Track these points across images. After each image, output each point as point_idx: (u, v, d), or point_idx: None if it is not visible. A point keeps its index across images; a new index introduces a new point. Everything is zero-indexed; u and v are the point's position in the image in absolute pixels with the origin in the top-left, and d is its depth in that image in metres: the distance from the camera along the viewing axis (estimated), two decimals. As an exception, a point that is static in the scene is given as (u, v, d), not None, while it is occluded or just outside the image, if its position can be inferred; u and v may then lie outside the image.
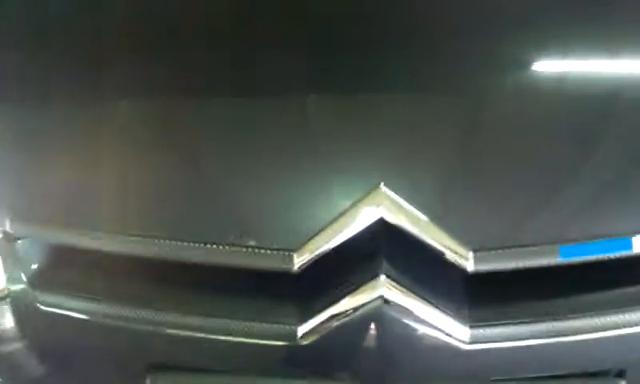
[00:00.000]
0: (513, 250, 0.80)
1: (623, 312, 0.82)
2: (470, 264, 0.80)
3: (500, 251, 0.80)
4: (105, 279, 0.91)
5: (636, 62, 0.93)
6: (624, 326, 0.82)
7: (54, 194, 0.92)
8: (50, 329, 0.92)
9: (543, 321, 0.82)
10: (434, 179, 0.84)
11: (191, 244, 0.84)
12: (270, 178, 0.86)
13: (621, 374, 0.87)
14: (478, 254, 0.80)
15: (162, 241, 0.85)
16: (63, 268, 0.94)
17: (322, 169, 0.85)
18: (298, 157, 0.86)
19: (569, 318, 0.82)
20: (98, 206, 0.89)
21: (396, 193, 0.81)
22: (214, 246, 0.83)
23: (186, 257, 0.85)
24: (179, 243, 0.85)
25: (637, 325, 0.83)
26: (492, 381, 0.88)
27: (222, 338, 0.86)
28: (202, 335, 0.86)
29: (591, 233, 0.81)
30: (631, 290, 0.85)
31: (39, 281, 0.92)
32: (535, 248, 0.80)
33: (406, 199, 0.80)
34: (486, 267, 0.80)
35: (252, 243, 0.83)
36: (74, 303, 0.90)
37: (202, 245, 0.84)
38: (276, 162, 0.87)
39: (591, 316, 0.82)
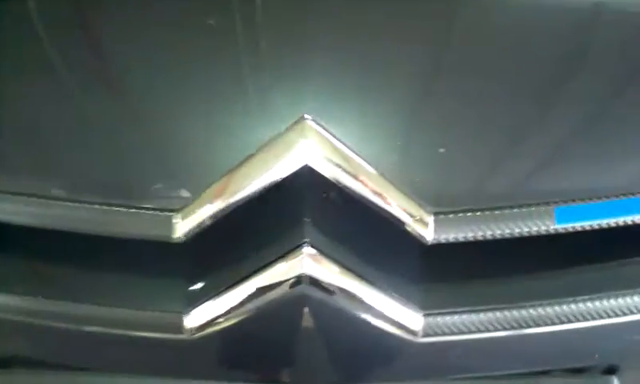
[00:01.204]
0: (489, 213, 0.57)
1: (611, 297, 0.63)
2: (428, 232, 0.57)
3: (470, 215, 0.57)
4: None
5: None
6: (611, 314, 0.63)
7: None
8: None
9: (515, 307, 0.62)
10: (378, 115, 0.60)
11: (39, 201, 0.59)
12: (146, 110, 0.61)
13: (611, 370, 0.69)
14: (441, 218, 0.58)
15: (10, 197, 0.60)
16: None
17: (221, 98, 0.60)
18: (185, 84, 0.62)
19: (544, 304, 0.62)
20: None
21: (327, 131, 0.56)
22: (72, 204, 0.59)
23: (35, 218, 0.60)
24: (25, 200, 0.60)
25: (626, 312, 0.64)
26: (450, 380, 0.68)
27: (87, 328, 0.63)
28: (56, 324, 0.63)
29: (593, 191, 0.59)
30: (623, 269, 0.66)
31: None
32: (521, 211, 0.57)
33: (341, 141, 0.57)
34: (450, 236, 0.57)
35: (119, 201, 0.58)
36: None
37: (54, 201, 0.59)
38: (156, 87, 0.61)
39: (572, 302, 0.63)
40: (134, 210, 0.57)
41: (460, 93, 0.63)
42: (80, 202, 0.58)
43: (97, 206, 0.58)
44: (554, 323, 0.62)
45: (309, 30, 0.64)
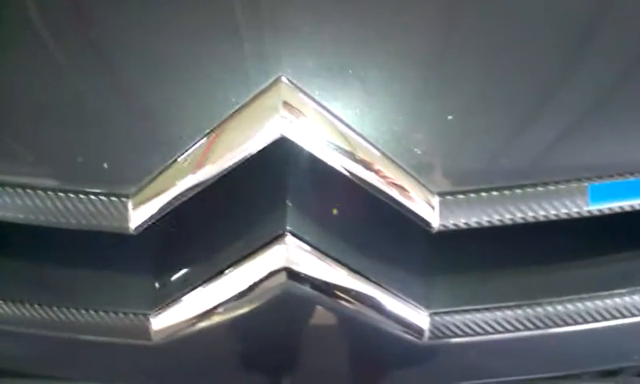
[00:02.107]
0: (508, 193, 0.48)
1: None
2: (434, 216, 0.48)
3: (485, 196, 0.47)
4: None
5: None
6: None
7: None
8: None
9: (532, 304, 0.53)
10: (371, 76, 0.50)
11: None
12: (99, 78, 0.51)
13: (650, 372, 0.59)
14: (449, 199, 0.48)
15: None
16: None
17: (184, 58, 0.50)
18: (144, 41, 0.52)
19: (574, 300, 0.54)
20: None
21: (308, 96, 0.47)
22: (12, 190, 0.50)
23: None
24: None
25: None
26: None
27: (46, 333, 0.54)
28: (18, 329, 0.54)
29: (633, 165, 0.50)
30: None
31: None
32: (547, 189, 0.47)
33: (325, 107, 0.48)
34: (461, 221, 0.48)
35: (64, 185, 0.49)
36: None
37: None
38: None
39: (607, 296, 0.54)
40: (82, 196, 0.48)
41: (471, 49, 0.53)
42: (19, 186, 0.49)
43: (40, 192, 0.49)
44: (587, 321, 0.53)
45: None
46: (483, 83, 0.51)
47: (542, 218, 0.48)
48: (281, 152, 0.48)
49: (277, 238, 0.49)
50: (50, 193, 0.48)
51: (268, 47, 0.49)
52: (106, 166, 0.48)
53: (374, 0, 0.55)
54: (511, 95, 0.51)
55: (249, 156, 0.46)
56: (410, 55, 0.52)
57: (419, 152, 0.48)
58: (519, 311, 0.53)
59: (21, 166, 0.50)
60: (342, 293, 0.51)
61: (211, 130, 0.47)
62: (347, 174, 0.47)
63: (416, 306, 0.52)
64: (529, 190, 0.48)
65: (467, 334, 0.53)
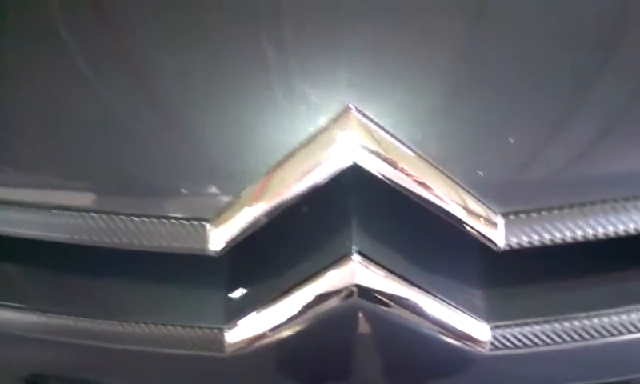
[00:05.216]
0: (577, 210, 0.49)
1: None
2: (499, 236, 0.49)
3: (547, 214, 0.49)
4: None
5: None
6: None
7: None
8: None
9: (594, 316, 0.54)
10: (432, 102, 0.52)
11: (66, 213, 0.54)
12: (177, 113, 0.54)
13: None
14: (511, 219, 0.49)
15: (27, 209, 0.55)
16: None
17: (256, 95, 0.53)
18: (213, 77, 0.55)
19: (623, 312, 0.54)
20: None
21: (375, 123, 0.49)
22: (99, 216, 0.53)
23: (62, 231, 0.54)
24: (49, 212, 0.54)
25: None
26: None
27: (120, 346, 0.57)
28: (88, 342, 0.58)
29: None
30: None
31: None
32: (615, 205, 0.48)
33: (391, 134, 0.50)
34: (524, 240, 0.49)
35: (148, 211, 0.52)
36: None
37: (80, 214, 0.53)
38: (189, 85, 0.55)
39: None
40: (164, 220, 0.51)
41: (531, 68, 0.54)
42: (107, 213, 0.52)
43: (124, 217, 0.52)
44: None
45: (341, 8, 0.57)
46: (543, 105, 0.53)
47: (611, 235, 0.49)
48: (348, 176, 0.50)
49: (345, 256, 0.51)
50: (142, 218, 0.51)
51: (336, 76, 0.52)
52: (186, 192, 0.51)
53: (429, 27, 0.56)
54: (572, 115, 0.52)
55: (321, 182, 0.49)
56: (471, 81, 0.53)
57: (482, 174, 0.50)
58: (576, 323, 0.54)
59: (109, 196, 0.54)
60: (406, 307, 0.53)
61: (284, 158, 0.50)
62: (412, 196, 0.50)
63: (477, 319, 0.54)
64: (594, 206, 0.49)
65: (525, 346, 0.55)
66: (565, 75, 0.54)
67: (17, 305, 0.59)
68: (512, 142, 0.50)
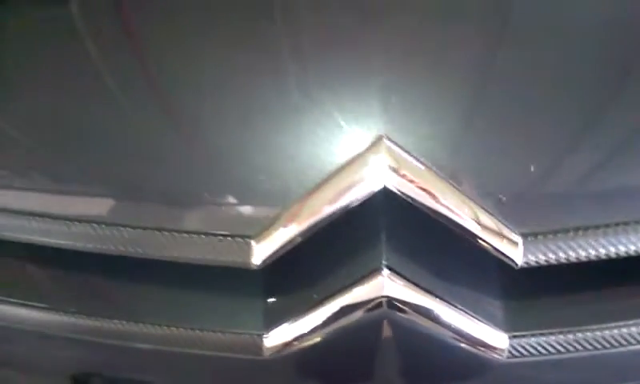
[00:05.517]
0: (591, 231, 0.53)
1: None
2: (518, 254, 0.53)
3: (563, 235, 0.53)
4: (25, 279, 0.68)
5: None
6: None
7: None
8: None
9: (608, 327, 0.58)
10: (458, 130, 0.57)
11: (119, 228, 0.59)
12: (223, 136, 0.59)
13: None
14: (530, 240, 0.54)
15: (81, 224, 0.60)
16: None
17: (297, 122, 0.58)
18: (260, 107, 0.60)
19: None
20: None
21: (405, 151, 0.54)
22: (148, 231, 0.58)
23: (114, 244, 0.59)
24: (101, 227, 0.60)
25: None
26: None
27: (164, 348, 0.63)
28: (136, 345, 0.63)
29: None
30: None
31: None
32: (630, 227, 0.52)
33: (420, 160, 0.54)
34: (542, 259, 0.53)
35: (195, 227, 0.57)
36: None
37: (132, 229, 0.59)
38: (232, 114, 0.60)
39: None
40: (211, 237, 0.56)
41: (553, 96, 0.58)
42: (154, 228, 0.57)
43: (173, 233, 0.57)
44: None
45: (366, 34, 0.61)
46: (563, 130, 0.57)
47: (623, 255, 0.53)
48: (379, 197, 0.55)
49: (376, 270, 0.56)
50: (191, 234, 0.56)
51: (370, 109, 0.57)
52: (232, 210, 0.56)
53: (456, 57, 0.61)
54: (591, 141, 0.56)
55: (354, 203, 0.54)
56: (493, 109, 0.58)
57: (504, 198, 0.54)
58: (589, 334, 0.58)
59: (163, 213, 0.59)
60: (430, 317, 0.57)
61: (322, 181, 0.54)
62: (439, 218, 0.54)
63: (496, 329, 0.58)
64: (609, 228, 0.53)
65: (540, 354, 0.58)
66: (584, 100, 0.58)
67: (71, 309, 0.65)
68: (532, 170, 0.54)
